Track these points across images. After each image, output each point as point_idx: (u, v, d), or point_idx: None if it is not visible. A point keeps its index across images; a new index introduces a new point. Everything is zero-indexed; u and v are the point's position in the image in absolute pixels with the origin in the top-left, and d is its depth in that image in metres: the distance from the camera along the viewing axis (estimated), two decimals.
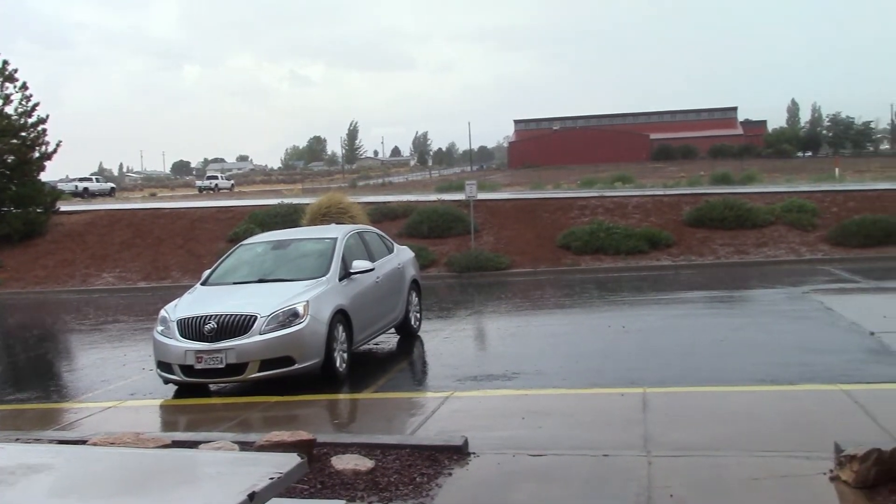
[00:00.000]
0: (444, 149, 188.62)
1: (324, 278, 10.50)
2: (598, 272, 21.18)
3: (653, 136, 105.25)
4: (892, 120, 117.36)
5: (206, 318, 9.64)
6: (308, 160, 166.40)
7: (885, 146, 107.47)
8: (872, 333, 10.98)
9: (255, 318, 9.57)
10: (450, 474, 6.22)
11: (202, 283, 11.17)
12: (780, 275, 18.92)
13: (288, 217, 25.00)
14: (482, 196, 27.65)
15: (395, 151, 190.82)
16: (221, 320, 9.59)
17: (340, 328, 10.22)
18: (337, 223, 16.84)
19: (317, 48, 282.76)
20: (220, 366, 9.45)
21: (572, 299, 16.95)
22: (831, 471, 5.82)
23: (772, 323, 12.83)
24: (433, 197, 31.98)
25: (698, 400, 8.31)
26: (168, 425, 9.17)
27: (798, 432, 6.95)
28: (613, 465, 6.36)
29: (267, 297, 10.01)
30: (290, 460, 2.90)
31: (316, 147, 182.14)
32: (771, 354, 10.33)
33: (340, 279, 10.70)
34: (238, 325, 9.54)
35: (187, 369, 9.60)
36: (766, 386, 8.74)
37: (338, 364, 10.04)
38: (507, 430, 7.46)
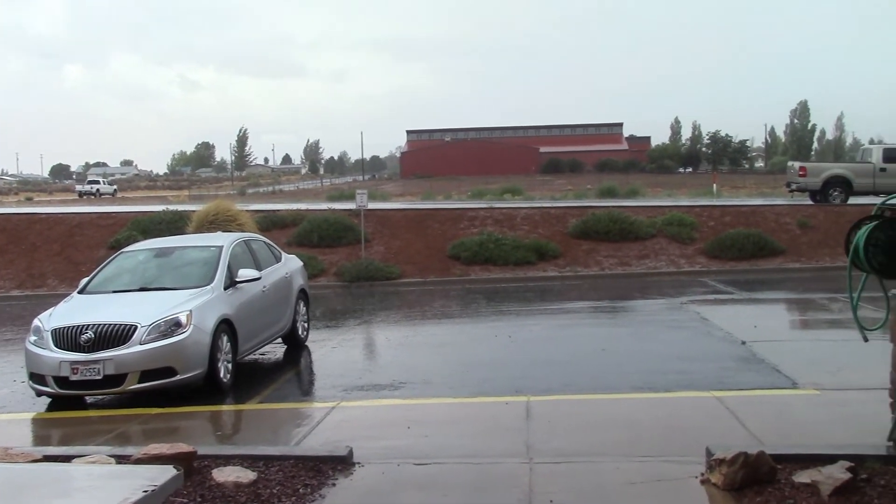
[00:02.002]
0: (336, 157, 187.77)
1: (208, 287, 10.30)
2: (486, 282, 21.44)
3: (542, 149, 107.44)
4: (766, 139, 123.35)
5: (82, 328, 9.31)
6: (196, 166, 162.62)
7: (759, 164, 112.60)
8: (744, 343, 11.50)
9: (136, 327, 9.29)
10: (334, 485, 6.20)
11: (79, 292, 10.77)
12: (660, 286, 19.57)
13: (173, 224, 24.34)
14: (373, 206, 27.62)
15: (286, 159, 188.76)
16: (99, 330, 9.27)
17: (225, 338, 10.03)
18: (224, 231, 16.52)
19: (207, 52, 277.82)
20: (98, 377, 9.13)
21: (461, 309, 17.10)
22: (702, 474, 6.08)
23: (651, 332, 13.27)
24: (324, 206, 31.75)
25: (580, 408, 8.53)
26: (40, 439, 8.81)
27: (673, 438, 7.22)
28: (497, 472, 6.47)
29: (148, 306, 9.74)
30: (166, 473, 2.86)
31: (204, 153, 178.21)
32: (650, 363, 10.69)
33: (226, 288, 10.51)
34: (117, 335, 9.25)
35: (62, 381, 9.23)
36: (644, 393, 9.04)
37: (222, 375, 9.85)
38: (393, 440, 7.48)
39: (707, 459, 6.16)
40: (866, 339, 6.57)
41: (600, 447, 7.00)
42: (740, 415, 7.80)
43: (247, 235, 13.08)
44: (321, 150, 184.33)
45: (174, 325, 9.40)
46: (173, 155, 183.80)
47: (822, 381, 9.06)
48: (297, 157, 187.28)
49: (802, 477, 5.78)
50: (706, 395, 8.70)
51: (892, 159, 27.93)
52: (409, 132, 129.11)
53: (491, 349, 12.23)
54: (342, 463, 6.59)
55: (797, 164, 30.98)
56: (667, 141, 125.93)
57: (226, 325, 10.07)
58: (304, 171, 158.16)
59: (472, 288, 20.61)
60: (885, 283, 6.30)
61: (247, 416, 9.28)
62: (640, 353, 11.41)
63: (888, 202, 6.26)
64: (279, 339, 12.42)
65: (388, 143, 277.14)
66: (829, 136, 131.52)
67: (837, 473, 5.63)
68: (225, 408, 9.53)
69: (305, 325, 13.15)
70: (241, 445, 7.63)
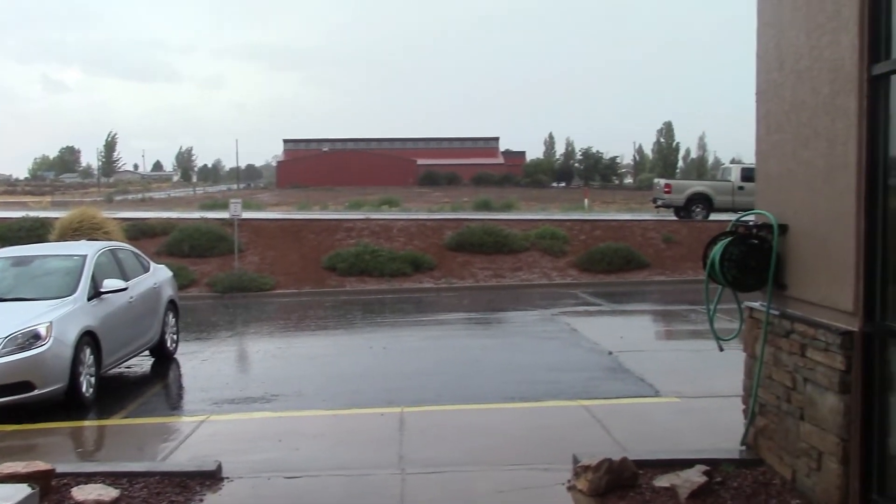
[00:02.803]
0: (209, 165, 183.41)
1: (70, 298, 9.88)
2: (362, 294, 21.41)
3: (420, 161, 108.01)
4: (634, 156, 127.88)
5: None
6: (59, 171, 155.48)
7: (628, 180, 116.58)
8: (610, 353, 11.89)
9: None
10: (201, 500, 6.05)
11: None
12: (533, 298, 20.00)
13: (34, 232, 23.24)
14: (248, 215, 27.15)
15: (158, 166, 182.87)
16: None
17: (88, 351, 9.64)
18: (89, 240, 15.90)
19: (73, 52, 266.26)
20: None
21: (336, 321, 17.00)
22: (569, 481, 6.25)
23: (522, 343, 13.55)
24: (196, 215, 30.98)
25: (452, 418, 8.62)
26: None
27: (542, 446, 7.39)
28: (368, 483, 6.47)
29: (4, 318, 9.25)
30: (19, 492, 2.75)
31: (68, 158, 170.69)
32: (520, 373, 10.91)
33: (90, 299, 10.11)
34: None
35: None
36: (515, 403, 9.22)
37: (84, 389, 9.45)
38: (264, 453, 7.37)
39: (574, 466, 6.33)
40: (721, 349, 6.92)
41: (471, 456, 7.10)
42: (606, 423, 8.05)
43: (113, 244, 12.63)
44: (194, 157, 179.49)
45: (32, 338, 8.97)
46: (35, 159, 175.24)
47: (683, 390, 9.46)
48: (168, 164, 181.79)
49: (662, 481, 6.02)
50: (574, 403, 8.95)
51: (750, 178, 29.43)
52: (285, 141, 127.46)
53: (365, 361, 12.21)
54: (210, 478, 6.44)
55: (662, 181, 32.33)
56: (541, 156, 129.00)
57: (89, 338, 9.68)
58: (175, 178, 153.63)
59: (348, 299, 20.53)
60: (739, 296, 6.66)
61: (111, 432, 8.95)
62: (511, 364, 11.63)
63: (741, 219, 6.62)
64: (147, 352, 12.03)
65: (265, 151, 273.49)
66: (693, 154, 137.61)
67: (694, 477, 5.91)
68: (87, 423, 9.16)
69: (175, 336, 12.79)
70: (104, 462, 7.34)
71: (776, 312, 6.07)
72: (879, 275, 4.89)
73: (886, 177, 4.84)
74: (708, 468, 6.06)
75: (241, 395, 10.13)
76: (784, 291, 6.01)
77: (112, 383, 10.90)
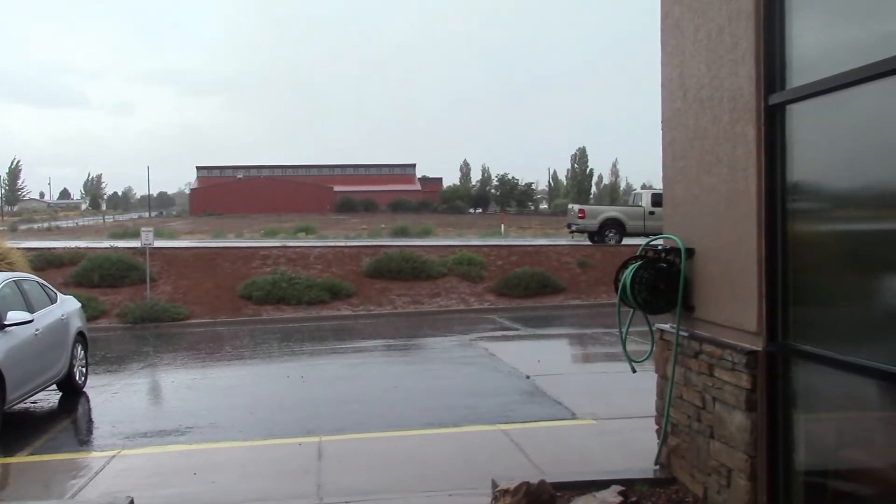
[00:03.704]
0: (119, 193, 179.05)
1: None
2: (279, 322, 21.15)
3: (337, 188, 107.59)
4: (549, 182, 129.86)
5: None
6: None
7: (544, 206, 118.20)
8: (528, 377, 12.03)
9: None
10: None
11: None
12: (451, 323, 20.08)
13: None
14: (160, 244, 26.59)
15: (65, 193, 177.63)
16: None
17: None
18: None
19: None
20: None
21: (252, 350, 16.75)
22: None
23: (441, 369, 13.59)
24: (106, 244, 30.19)
25: (371, 445, 8.58)
26: None
27: (461, 471, 7.42)
28: None
29: None
30: None
31: None
32: (439, 399, 10.93)
33: None
34: None
35: None
36: (433, 429, 9.23)
37: None
38: (178, 487, 7.21)
39: (493, 490, 6.37)
40: (634, 371, 7.07)
41: (390, 484, 7.08)
42: (524, 446, 8.13)
43: (17, 275, 12.19)
44: (104, 184, 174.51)
45: None
46: None
47: (598, 412, 9.63)
48: (77, 192, 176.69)
49: (579, 503, 6.10)
50: (493, 428, 9.01)
51: (660, 203, 30.19)
52: (199, 168, 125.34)
53: (283, 390, 12.06)
54: None
55: (577, 207, 32.94)
56: (458, 182, 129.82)
57: None
58: (84, 206, 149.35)
59: (264, 328, 20.25)
60: (650, 318, 6.83)
61: (15, 470, 8.59)
62: (430, 390, 11.65)
63: (651, 243, 6.81)
64: (54, 386, 11.64)
65: (177, 179, 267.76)
66: (606, 180, 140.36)
67: (610, 498, 6.00)
68: None
69: (84, 369, 12.42)
70: (8, 502, 7.07)
71: (685, 334, 6.25)
72: (780, 296, 5.09)
73: (784, 202, 5.05)
74: (623, 488, 6.17)
75: (154, 428, 9.88)
76: (692, 313, 6.19)
77: (17, 419, 10.51)
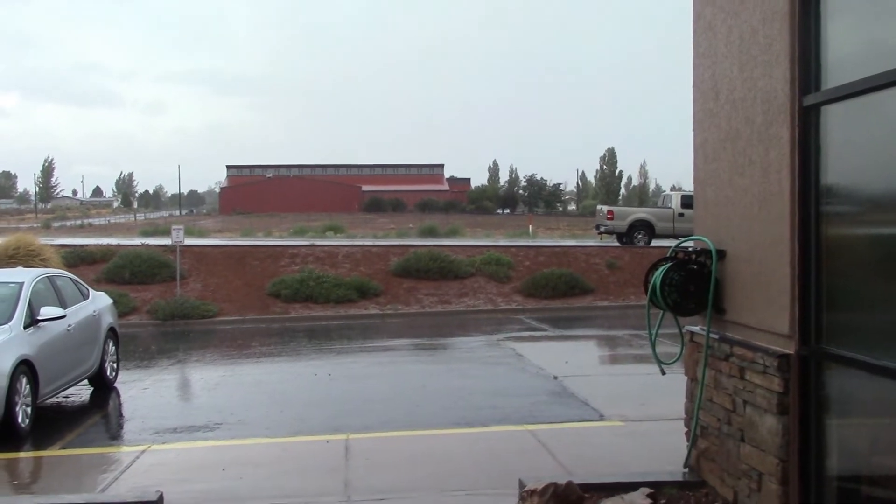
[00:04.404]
0: (151, 191, 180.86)
1: (6, 326, 9.63)
2: (307, 320, 21.25)
3: (365, 187, 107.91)
4: (578, 183, 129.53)
5: None
6: None
7: (572, 206, 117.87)
8: (555, 377, 11.99)
9: None
10: None
11: None
12: (478, 323, 20.07)
13: None
14: (190, 241, 26.82)
15: (98, 192, 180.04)
16: None
17: (24, 380, 9.40)
18: (26, 266, 15.55)
19: (9, 77, 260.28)
20: None
21: (280, 347, 16.84)
22: None
23: (468, 369, 13.58)
24: (137, 241, 30.51)
25: (398, 444, 8.59)
26: None
27: (488, 471, 7.41)
28: None
29: None
30: None
31: (5, 183, 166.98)
32: (467, 398, 10.93)
33: (26, 327, 9.88)
34: None
35: None
36: (461, 429, 9.23)
37: (20, 419, 9.21)
38: (207, 483, 7.26)
39: (520, 491, 6.36)
40: (664, 373, 7.03)
41: (417, 483, 7.09)
42: (551, 447, 8.11)
43: (51, 271, 12.36)
44: (135, 183, 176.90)
45: None
46: None
47: (627, 413, 9.58)
48: (109, 190, 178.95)
49: None
50: (520, 428, 9.00)
51: (689, 205, 30.04)
52: (229, 167, 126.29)
53: (310, 388, 12.12)
54: None
55: (605, 208, 32.80)
56: (486, 183, 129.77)
57: (25, 367, 9.45)
58: (116, 204, 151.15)
59: (293, 326, 20.36)
60: (680, 320, 6.78)
61: (48, 463, 8.72)
62: (457, 390, 11.64)
63: (681, 245, 6.76)
64: (86, 381, 11.78)
65: (208, 177, 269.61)
66: (635, 181, 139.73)
67: (638, 500, 5.97)
68: (23, 455, 8.91)
69: (115, 365, 12.56)
70: (40, 495, 7.16)
71: (716, 336, 6.20)
72: (814, 299, 5.03)
73: (818, 204, 5.00)
74: (652, 491, 6.13)
75: (184, 423, 9.97)
76: (723, 316, 6.14)
77: (49, 413, 10.66)
